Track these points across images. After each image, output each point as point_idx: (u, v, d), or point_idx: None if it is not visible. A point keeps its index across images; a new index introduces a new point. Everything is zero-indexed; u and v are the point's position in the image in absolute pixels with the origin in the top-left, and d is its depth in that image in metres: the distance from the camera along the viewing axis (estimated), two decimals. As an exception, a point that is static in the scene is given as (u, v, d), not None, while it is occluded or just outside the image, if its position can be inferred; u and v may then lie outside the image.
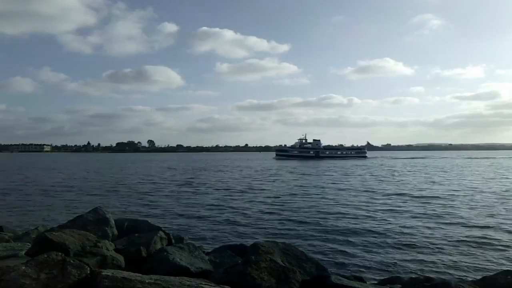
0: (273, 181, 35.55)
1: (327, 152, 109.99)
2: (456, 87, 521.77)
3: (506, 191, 26.09)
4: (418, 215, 16.89)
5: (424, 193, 24.86)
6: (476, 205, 19.52)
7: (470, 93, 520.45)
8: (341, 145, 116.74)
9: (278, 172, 50.02)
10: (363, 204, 20.33)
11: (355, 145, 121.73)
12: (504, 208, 18.53)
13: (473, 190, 26.88)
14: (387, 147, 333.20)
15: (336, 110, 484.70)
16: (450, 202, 20.64)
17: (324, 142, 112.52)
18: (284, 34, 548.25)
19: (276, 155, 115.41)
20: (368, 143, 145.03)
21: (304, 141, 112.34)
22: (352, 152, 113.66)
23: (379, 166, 66.63)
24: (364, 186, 30.30)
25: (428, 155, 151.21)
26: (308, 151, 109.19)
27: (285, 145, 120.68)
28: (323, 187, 29.46)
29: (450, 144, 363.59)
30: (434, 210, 18.21)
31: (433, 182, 33.92)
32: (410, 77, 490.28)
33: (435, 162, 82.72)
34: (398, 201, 21.49)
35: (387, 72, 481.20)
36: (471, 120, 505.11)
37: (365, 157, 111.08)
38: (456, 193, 24.75)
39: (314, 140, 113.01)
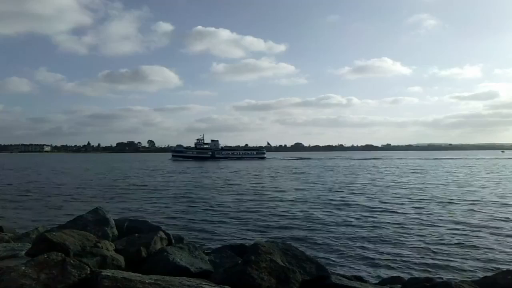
0: (271, 181, 35.59)
1: (224, 153, 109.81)
2: (454, 87, 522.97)
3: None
4: (417, 216, 16.90)
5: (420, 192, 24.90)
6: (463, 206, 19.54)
7: (468, 93, 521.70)
8: (243, 145, 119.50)
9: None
10: (360, 204, 20.34)
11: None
12: (503, 209, 18.56)
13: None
14: (387, 147, 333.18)
15: (335, 110, 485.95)
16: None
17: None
18: (280, 34, 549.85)
19: (172, 155, 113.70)
20: (268, 143, 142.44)
21: (201, 141, 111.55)
22: (254, 153, 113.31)
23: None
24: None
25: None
26: (205, 152, 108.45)
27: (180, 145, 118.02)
28: (315, 184, 29.47)
29: (450, 144, 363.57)
30: (433, 212, 18.22)
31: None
32: (408, 77, 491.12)
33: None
34: (396, 201, 21.51)
35: (385, 72, 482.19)
36: (470, 120, 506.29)
37: (264, 158, 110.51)
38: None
39: (212, 140, 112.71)
